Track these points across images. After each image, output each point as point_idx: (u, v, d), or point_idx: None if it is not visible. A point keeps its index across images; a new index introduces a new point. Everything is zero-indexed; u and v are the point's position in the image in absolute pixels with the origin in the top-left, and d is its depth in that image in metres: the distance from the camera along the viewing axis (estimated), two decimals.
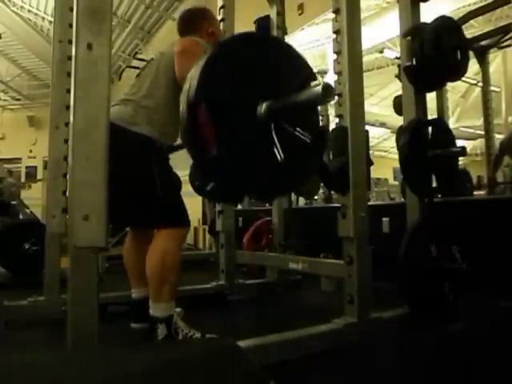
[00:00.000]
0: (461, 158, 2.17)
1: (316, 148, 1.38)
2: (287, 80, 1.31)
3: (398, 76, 2.83)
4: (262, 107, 1.22)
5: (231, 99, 1.20)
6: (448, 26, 1.97)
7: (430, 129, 2.04)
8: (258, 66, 1.28)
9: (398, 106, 2.49)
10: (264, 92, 1.24)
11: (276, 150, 1.24)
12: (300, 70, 1.37)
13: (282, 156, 1.23)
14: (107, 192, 1.08)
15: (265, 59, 1.30)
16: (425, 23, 1.98)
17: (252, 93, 1.24)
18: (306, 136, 1.29)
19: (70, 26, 2.12)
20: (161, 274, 1.54)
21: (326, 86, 1.10)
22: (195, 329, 1.61)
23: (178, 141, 1.81)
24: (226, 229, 2.54)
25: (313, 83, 1.30)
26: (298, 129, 1.28)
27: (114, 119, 1.38)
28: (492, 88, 4.65)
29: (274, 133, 1.24)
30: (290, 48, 1.37)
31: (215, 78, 1.18)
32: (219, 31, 1.97)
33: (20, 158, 11.72)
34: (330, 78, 1.86)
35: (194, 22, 1.89)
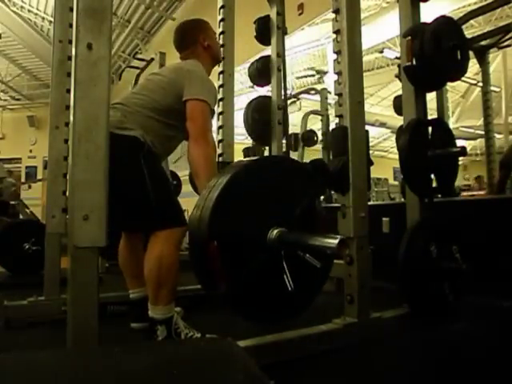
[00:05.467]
0: (461, 158, 2.17)
1: (324, 271, 1.39)
2: (297, 199, 1.30)
3: (397, 76, 2.84)
4: (273, 234, 1.21)
5: (243, 230, 1.19)
6: (448, 26, 1.97)
7: (430, 129, 2.04)
8: (268, 192, 1.27)
9: (397, 106, 2.49)
10: (275, 217, 1.24)
11: (286, 279, 1.23)
12: (309, 186, 1.38)
13: (292, 285, 1.23)
14: (107, 192, 1.08)
15: (275, 183, 1.30)
16: (425, 23, 1.99)
17: (263, 220, 1.23)
18: (316, 261, 1.27)
19: (70, 26, 2.12)
20: (158, 278, 1.52)
21: (342, 242, 1.10)
22: (195, 329, 1.61)
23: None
24: None
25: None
26: (307, 255, 1.26)
27: None
28: (492, 88, 4.63)
29: (284, 262, 1.24)
30: (299, 166, 1.36)
31: (227, 211, 1.17)
32: (216, 44, 1.94)
33: (20, 158, 11.71)
34: (330, 78, 1.86)
35: (189, 36, 1.86)
